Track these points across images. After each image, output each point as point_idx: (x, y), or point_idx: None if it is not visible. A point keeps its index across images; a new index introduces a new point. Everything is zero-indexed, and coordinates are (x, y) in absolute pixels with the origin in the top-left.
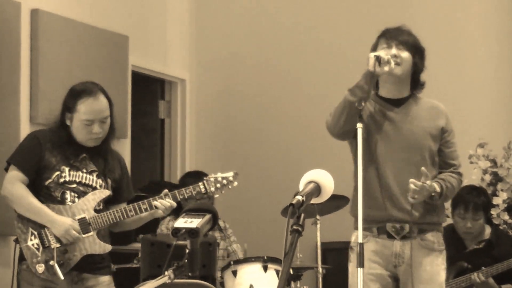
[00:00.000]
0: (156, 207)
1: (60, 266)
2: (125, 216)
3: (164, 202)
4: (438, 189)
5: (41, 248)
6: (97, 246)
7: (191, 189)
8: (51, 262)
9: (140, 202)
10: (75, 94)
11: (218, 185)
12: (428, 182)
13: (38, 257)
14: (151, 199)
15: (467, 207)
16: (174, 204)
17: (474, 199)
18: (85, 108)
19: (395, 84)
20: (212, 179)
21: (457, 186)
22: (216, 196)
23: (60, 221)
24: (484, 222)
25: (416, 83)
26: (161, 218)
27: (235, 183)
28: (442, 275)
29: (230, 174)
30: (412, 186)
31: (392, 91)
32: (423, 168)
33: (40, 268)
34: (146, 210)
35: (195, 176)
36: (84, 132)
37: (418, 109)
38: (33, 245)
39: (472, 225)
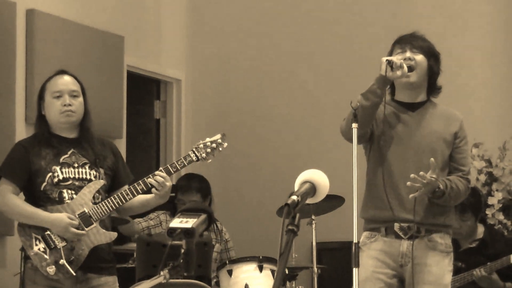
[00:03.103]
0: (152, 185)
1: (70, 263)
2: (123, 201)
3: (157, 177)
4: (442, 186)
5: (48, 251)
6: (102, 236)
7: (183, 159)
8: (61, 262)
9: (135, 184)
10: (44, 82)
11: (209, 150)
12: (434, 175)
13: (47, 260)
14: (145, 178)
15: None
16: (168, 180)
17: None
18: (51, 84)
19: (411, 90)
20: (201, 145)
21: (463, 190)
22: (209, 161)
23: (57, 219)
24: (473, 222)
25: (432, 88)
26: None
27: (225, 144)
28: (448, 277)
29: (218, 137)
30: (418, 178)
31: (408, 96)
32: (432, 159)
33: (51, 270)
34: (142, 190)
35: (192, 178)
36: (56, 106)
37: (433, 114)
38: (39, 249)
39: (459, 226)
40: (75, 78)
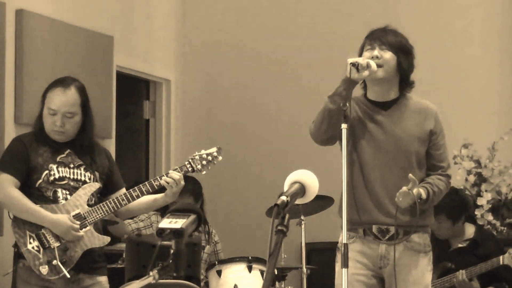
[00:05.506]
0: (158, 187)
1: (63, 264)
2: (119, 206)
3: (172, 175)
4: (424, 195)
5: (41, 250)
6: (96, 239)
7: (178, 169)
8: (54, 262)
9: (131, 190)
10: (51, 84)
11: (204, 162)
12: (415, 190)
13: (40, 259)
14: (152, 180)
15: None
16: (182, 179)
17: None
18: (52, 96)
19: (382, 86)
20: (197, 157)
21: (444, 189)
22: (203, 172)
23: (59, 221)
24: (452, 223)
25: (404, 84)
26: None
27: (220, 158)
28: (428, 277)
29: (213, 150)
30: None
31: (379, 94)
32: (411, 175)
33: (44, 269)
34: (138, 197)
35: (185, 181)
36: (49, 122)
37: (406, 112)
38: (33, 248)
39: (437, 228)
40: (79, 92)
